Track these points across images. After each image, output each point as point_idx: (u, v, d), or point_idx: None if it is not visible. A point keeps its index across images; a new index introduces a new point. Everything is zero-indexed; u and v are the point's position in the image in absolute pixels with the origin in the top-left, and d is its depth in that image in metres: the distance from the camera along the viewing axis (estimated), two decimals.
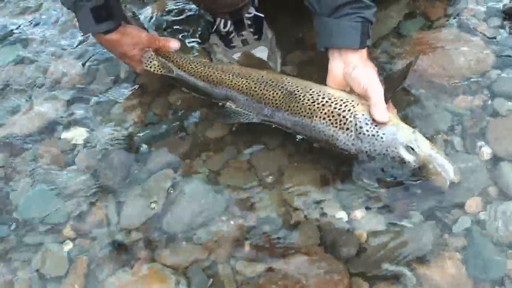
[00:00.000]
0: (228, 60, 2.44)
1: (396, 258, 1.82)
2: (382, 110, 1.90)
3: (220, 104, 2.25)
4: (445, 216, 1.88)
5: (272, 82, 2.12)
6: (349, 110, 1.94)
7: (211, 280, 1.90)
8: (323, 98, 2.00)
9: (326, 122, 1.96)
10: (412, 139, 1.87)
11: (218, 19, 2.44)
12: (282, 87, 2.08)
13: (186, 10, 2.80)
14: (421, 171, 1.86)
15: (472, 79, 2.19)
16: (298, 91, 2.05)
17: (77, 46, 2.82)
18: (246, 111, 2.14)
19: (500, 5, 2.40)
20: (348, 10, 1.98)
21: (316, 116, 1.97)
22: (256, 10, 2.44)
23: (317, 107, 1.98)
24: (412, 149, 1.85)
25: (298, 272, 1.84)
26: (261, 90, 2.11)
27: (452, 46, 2.30)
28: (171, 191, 2.13)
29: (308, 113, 1.99)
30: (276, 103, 2.07)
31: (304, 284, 1.81)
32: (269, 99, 2.09)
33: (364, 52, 2.03)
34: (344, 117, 1.94)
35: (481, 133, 2.04)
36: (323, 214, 1.97)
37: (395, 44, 2.39)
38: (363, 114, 1.92)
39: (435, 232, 1.85)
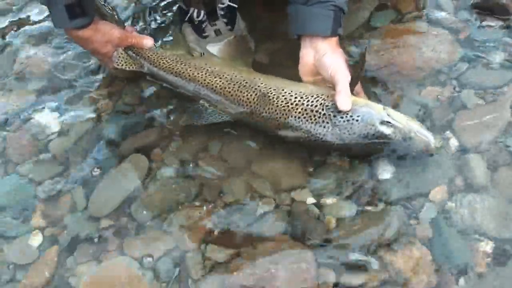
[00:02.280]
0: (201, 50, 2.44)
1: (363, 246, 1.84)
2: (345, 97, 1.94)
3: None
4: (412, 204, 1.91)
5: (246, 82, 2.13)
6: (320, 104, 1.98)
7: (179, 267, 1.90)
8: (296, 97, 2.02)
9: (302, 120, 1.99)
10: (385, 114, 1.92)
11: (192, 9, 2.43)
12: (256, 88, 2.10)
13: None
14: (405, 141, 1.90)
15: (440, 71, 2.22)
16: (271, 93, 2.07)
17: (48, 34, 2.80)
18: (220, 111, 2.16)
19: (469, 0, 2.43)
20: None
21: (292, 116, 2.00)
22: (230, 1, 2.44)
23: (291, 107, 2.01)
24: (389, 122, 1.90)
25: (267, 260, 1.85)
26: (235, 91, 2.13)
27: (422, 39, 2.33)
28: (141, 179, 2.13)
29: (283, 114, 2.02)
30: (251, 106, 2.09)
31: (273, 272, 1.82)
32: (243, 101, 2.10)
33: (334, 40, 2.06)
34: (317, 111, 1.97)
35: (448, 125, 2.06)
36: (293, 201, 1.98)
37: (366, 36, 2.41)
38: (333, 104, 1.96)
39: (402, 220, 1.88)
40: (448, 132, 2.05)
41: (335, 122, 1.94)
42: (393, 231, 1.86)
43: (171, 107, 2.33)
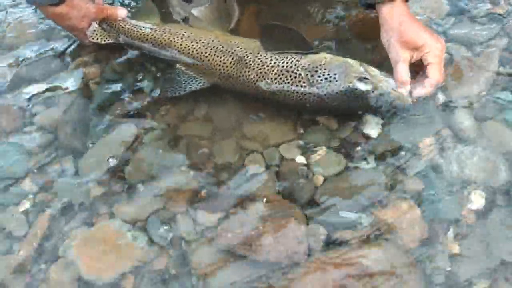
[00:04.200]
0: (186, 14, 2.42)
1: (352, 202, 1.85)
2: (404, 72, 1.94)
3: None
4: (400, 159, 1.91)
5: (222, 47, 2.13)
6: (295, 65, 1.98)
7: (171, 232, 1.91)
8: (271, 59, 2.03)
9: (278, 81, 1.99)
10: (362, 70, 1.94)
11: None
12: (233, 52, 2.10)
13: None
14: (381, 96, 1.92)
15: (427, 26, 2.19)
16: (247, 56, 2.06)
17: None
18: (197, 75, 2.15)
19: None
20: None
21: (268, 78, 2.00)
22: None
23: (268, 69, 2.01)
24: (366, 78, 1.91)
25: (255, 218, 1.85)
26: (211, 55, 2.13)
27: None
28: (130, 144, 2.12)
29: (260, 77, 2.02)
30: (227, 70, 2.08)
31: (261, 230, 1.83)
32: (220, 65, 2.10)
33: (396, 5, 1.99)
34: (293, 72, 1.98)
35: None
36: (282, 159, 1.99)
37: None
38: (309, 64, 1.97)
39: (391, 174, 1.88)
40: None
41: (312, 81, 1.94)
42: (382, 187, 1.87)
43: (157, 71, 2.31)
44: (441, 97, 2.01)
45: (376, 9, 2.02)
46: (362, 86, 1.91)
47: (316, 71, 1.95)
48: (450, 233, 1.76)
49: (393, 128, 1.97)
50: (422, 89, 1.93)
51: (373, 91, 1.91)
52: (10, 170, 2.15)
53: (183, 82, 2.16)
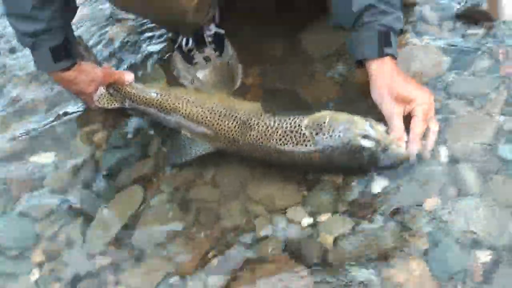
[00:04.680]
0: (191, 77, 2.47)
1: (361, 262, 1.85)
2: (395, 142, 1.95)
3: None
4: (406, 216, 1.91)
5: (226, 111, 2.15)
6: (299, 125, 2.00)
7: None
8: (275, 122, 2.05)
9: (284, 142, 2.01)
10: (367, 127, 1.94)
11: (180, 37, 2.47)
12: (236, 116, 2.12)
13: (148, 29, 2.83)
14: (386, 154, 1.93)
15: (428, 83, 2.23)
16: (251, 120, 2.09)
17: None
18: (202, 141, 2.18)
19: (453, 10, 2.47)
20: (365, 18, 2.00)
21: (273, 140, 2.02)
22: (217, 27, 2.48)
23: (272, 131, 2.04)
24: (370, 135, 1.92)
25: (264, 282, 1.86)
26: (216, 121, 2.15)
27: (409, 52, 2.35)
28: (138, 209, 2.15)
29: (265, 139, 2.04)
30: (232, 134, 2.11)
31: None
32: (224, 130, 2.13)
33: (386, 61, 2.02)
34: (297, 132, 1.99)
35: (439, 134, 2.05)
36: (288, 221, 1.99)
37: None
38: (313, 123, 1.98)
39: (397, 233, 1.88)
40: (438, 142, 2.04)
41: (318, 140, 1.96)
42: (389, 246, 1.86)
43: (164, 136, 2.35)
44: (444, 153, 2.02)
45: (365, 66, 2.06)
46: (366, 143, 1.92)
47: (321, 129, 1.96)
48: None
49: (398, 185, 1.97)
50: (410, 146, 1.94)
51: (377, 148, 1.92)
52: (19, 239, 2.17)
53: (188, 148, 2.19)
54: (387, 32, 2.00)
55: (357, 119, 1.98)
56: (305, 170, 2.08)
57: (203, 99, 2.24)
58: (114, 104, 2.42)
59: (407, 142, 1.95)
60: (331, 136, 1.95)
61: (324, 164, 1.99)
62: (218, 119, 2.15)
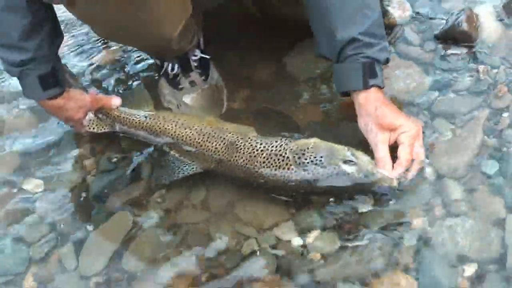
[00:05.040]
0: (177, 102, 2.50)
1: (349, 279, 1.87)
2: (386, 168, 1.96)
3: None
4: (394, 234, 1.94)
5: (215, 133, 2.18)
6: (284, 148, 2.03)
7: None
8: (261, 144, 2.08)
9: (267, 165, 2.03)
10: (348, 153, 1.97)
11: (166, 63, 2.50)
12: (224, 138, 2.15)
13: (134, 55, 2.86)
14: (368, 179, 1.94)
15: (411, 103, 2.28)
16: (238, 141, 2.12)
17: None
18: (190, 161, 2.21)
19: (433, 31, 2.51)
20: (348, 51, 2.00)
21: (258, 162, 2.05)
22: (202, 52, 2.51)
23: (257, 153, 2.06)
24: (351, 161, 1.94)
25: None
26: (204, 142, 2.18)
27: (391, 72, 2.39)
28: (128, 233, 2.16)
29: (249, 161, 2.07)
30: (219, 155, 2.14)
31: None
32: (211, 150, 2.15)
33: (368, 93, 2.02)
34: (281, 155, 2.02)
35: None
36: (278, 241, 2.01)
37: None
38: (297, 147, 2.01)
39: (385, 249, 1.91)
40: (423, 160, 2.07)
41: (299, 164, 1.98)
42: (378, 263, 1.89)
43: (152, 159, 2.37)
44: (429, 171, 2.06)
45: (350, 96, 2.08)
46: (347, 169, 1.94)
47: (303, 154, 1.99)
48: None
49: (385, 203, 2.00)
50: (394, 172, 1.94)
51: (358, 174, 1.93)
52: (10, 264, 2.17)
53: (177, 168, 2.21)
54: (371, 63, 2.01)
55: (339, 147, 2.00)
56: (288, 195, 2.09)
57: (192, 121, 2.28)
58: (104, 129, 2.44)
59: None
60: (312, 161, 1.97)
61: (306, 189, 2.01)
62: (206, 140, 2.18)
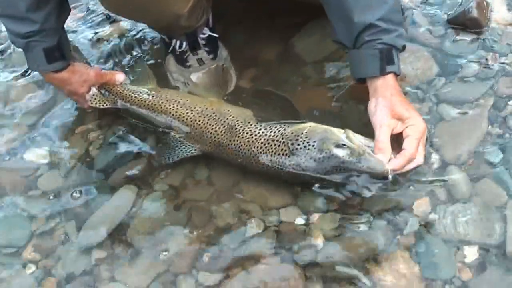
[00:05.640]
0: (184, 79, 2.49)
1: (350, 261, 1.88)
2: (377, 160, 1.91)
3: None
4: (396, 217, 1.94)
5: (216, 115, 2.18)
6: (280, 134, 2.02)
7: None
8: (260, 128, 2.08)
9: (263, 150, 2.03)
10: (342, 137, 1.95)
11: (174, 40, 2.49)
12: (224, 121, 2.15)
13: (141, 32, 2.85)
14: (359, 163, 1.90)
15: (418, 88, 2.28)
16: (238, 125, 2.12)
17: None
18: (190, 143, 2.21)
19: (443, 16, 2.50)
20: (366, 37, 1.99)
21: (255, 147, 2.05)
22: (211, 30, 2.50)
23: (255, 139, 2.06)
24: (344, 145, 1.92)
25: (256, 279, 1.89)
26: (204, 123, 2.18)
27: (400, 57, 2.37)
28: (131, 208, 2.17)
29: (247, 146, 2.07)
30: (218, 138, 2.14)
31: None
32: (211, 133, 2.15)
33: (385, 80, 2.01)
34: (277, 141, 2.01)
35: (428, 138, 2.08)
36: (281, 221, 2.02)
37: (343, 59, 2.43)
38: (292, 133, 2.01)
39: (387, 233, 1.92)
40: (428, 146, 2.08)
41: (292, 149, 1.98)
42: (379, 246, 1.90)
43: (158, 136, 2.36)
44: (434, 157, 2.06)
45: (366, 83, 2.06)
46: (339, 152, 1.91)
47: (297, 139, 1.98)
48: None
49: (388, 188, 1.99)
50: (395, 161, 1.90)
51: (350, 158, 1.90)
52: (13, 236, 2.19)
53: (176, 149, 2.21)
54: (389, 49, 2.00)
55: (335, 130, 1.99)
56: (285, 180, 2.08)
57: (194, 102, 2.28)
58: (106, 104, 2.44)
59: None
60: (305, 146, 1.97)
61: (301, 175, 2.00)
62: (207, 122, 2.18)
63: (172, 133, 2.26)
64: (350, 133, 1.97)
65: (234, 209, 2.08)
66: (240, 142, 2.08)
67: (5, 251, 2.16)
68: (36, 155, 2.44)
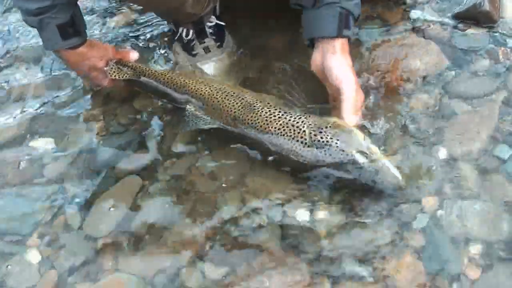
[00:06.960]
0: (192, 66, 2.48)
1: (356, 256, 1.86)
2: (349, 114, 1.97)
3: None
4: (403, 213, 1.92)
5: (233, 93, 2.17)
6: (302, 121, 2.00)
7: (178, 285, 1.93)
8: (279, 112, 2.05)
9: (281, 132, 2.01)
10: (364, 144, 1.93)
11: (181, 28, 2.47)
12: (243, 98, 2.14)
13: (149, 20, 2.83)
14: (376, 174, 1.90)
15: (428, 82, 2.26)
16: (256, 104, 2.10)
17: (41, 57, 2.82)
18: (205, 116, 2.18)
19: (454, 10, 2.47)
20: (327, 0, 2.02)
21: (272, 127, 2.03)
22: (218, 19, 2.48)
23: (273, 119, 2.04)
24: (365, 153, 1.91)
25: (260, 273, 1.87)
26: (221, 98, 2.16)
27: (409, 50, 2.36)
28: (136, 198, 2.15)
29: (264, 123, 2.04)
30: (235, 112, 2.11)
31: (266, 283, 1.85)
32: (228, 107, 2.13)
33: (342, 42, 2.05)
34: (297, 127, 2.00)
35: (438, 134, 2.08)
36: (285, 215, 2.00)
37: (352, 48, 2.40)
38: (315, 123, 1.98)
39: (394, 229, 1.90)
40: (437, 140, 2.07)
41: (314, 141, 1.96)
42: (386, 241, 1.88)
43: (164, 125, 2.36)
44: (443, 152, 2.04)
45: (315, 45, 2.10)
46: (360, 159, 1.91)
47: (320, 132, 1.96)
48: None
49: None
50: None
51: (368, 166, 1.91)
52: (18, 224, 2.18)
53: (191, 121, 2.20)
54: (347, 14, 2.03)
55: (357, 133, 1.97)
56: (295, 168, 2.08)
57: (212, 81, 2.27)
58: (127, 75, 2.40)
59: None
60: (327, 141, 1.95)
61: (312, 165, 1.99)
62: (225, 97, 2.16)
63: (188, 107, 2.24)
64: (369, 140, 1.96)
65: (238, 201, 2.07)
66: (256, 119, 2.06)
67: (10, 238, 2.15)
68: (42, 143, 2.43)
